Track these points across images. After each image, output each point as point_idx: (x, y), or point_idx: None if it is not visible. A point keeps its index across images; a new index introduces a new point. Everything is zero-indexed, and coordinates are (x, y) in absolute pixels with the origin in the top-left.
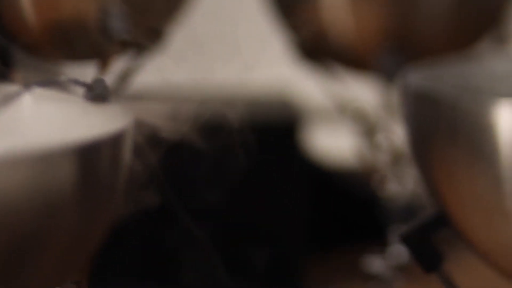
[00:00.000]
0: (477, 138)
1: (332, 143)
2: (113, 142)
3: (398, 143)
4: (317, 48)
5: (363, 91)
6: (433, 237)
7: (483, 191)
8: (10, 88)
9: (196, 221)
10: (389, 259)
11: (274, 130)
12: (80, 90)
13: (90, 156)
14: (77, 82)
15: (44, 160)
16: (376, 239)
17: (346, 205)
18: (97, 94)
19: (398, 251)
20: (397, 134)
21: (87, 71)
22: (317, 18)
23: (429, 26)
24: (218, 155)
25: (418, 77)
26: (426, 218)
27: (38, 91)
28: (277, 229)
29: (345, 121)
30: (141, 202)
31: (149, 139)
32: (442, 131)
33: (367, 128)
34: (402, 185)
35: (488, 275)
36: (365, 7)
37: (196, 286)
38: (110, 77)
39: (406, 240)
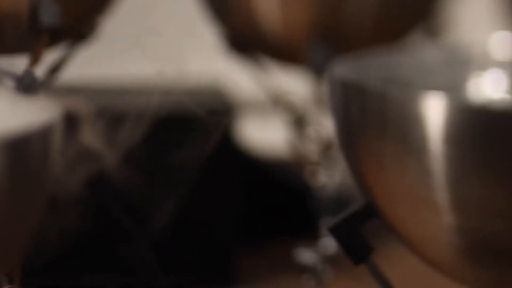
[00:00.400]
0: (406, 130)
1: (265, 135)
2: (42, 134)
3: (328, 135)
4: (246, 41)
5: (294, 83)
6: (362, 228)
7: (412, 183)
8: None
9: (128, 212)
10: (320, 251)
11: (206, 122)
12: (10, 82)
13: (18, 149)
14: (6, 74)
15: None
16: (308, 231)
17: (278, 197)
18: (26, 85)
19: (329, 243)
20: (327, 126)
21: (18, 63)
22: (246, 11)
23: (358, 19)
24: (151, 146)
25: (345, 69)
26: (355, 209)
27: None
28: (209, 221)
29: (277, 113)
30: (73, 195)
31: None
32: (370, 123)
33: (298, 120)
34: (333, 177)
35: (416, 266)
36: (292, 4)
37: (129, 279)
38: (40, 69)
39: (335, 232)
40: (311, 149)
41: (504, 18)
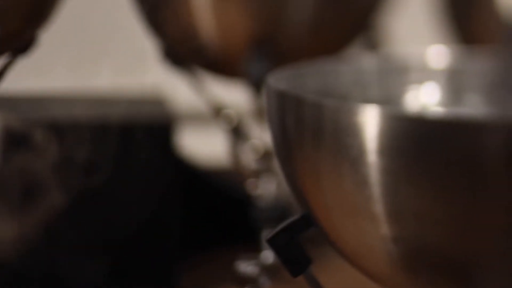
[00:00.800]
0: (341, 142)
1: (206, 145)
2: None
3: (267, 146)
4: (185, 54)
5: (234, 95)
6: (300, 239)
7: (348, 193)
8: None
9: (68, 222)
10: (261, 262)
11: (148, 132)
12: None
13: None
14: None
15: None
16: (249, 241)
17: (220, 207)
18: None
19: (270, 254)
20: (266, 137)
21: None
22: (183, 24)
23: (295, 31)
24: (91, 156)
25: (282, 80)
26: (292, 220)
27: None
28: (151, 230)
29: (217, 124)
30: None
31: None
32: (306, 135)
33: (237, 131)
34: (273, 187)
35: (355, 276)
36: (229, 12)
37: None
38: None
39: (272, 243)
40: (251, 160)
41: (440, 31)
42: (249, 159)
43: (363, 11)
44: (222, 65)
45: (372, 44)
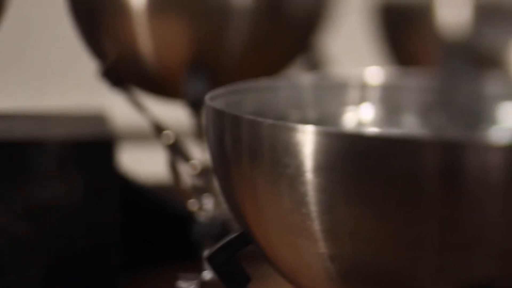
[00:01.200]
0: (278, 160)
1: (148, 163)
2: None
3: (207, 164)
4: (124, 74)
5: (175, 114)
6: (238, 257)
7: (285, 212)
8: None
9: (8, 238)
10: (202, 279)
11: (90, 149)
12: None
13: None
14: None
15: None
16: (190, 259)
17: (161, 225)
18: None
19: (210, 272)
20: (206, 155)
21: None
22: (120, 45)
23: (234, 52)
24: (31, 173)
25: (220, 100)
26: (231, 238)
27: None
28: (91, 248)
29: (159, 142)
30: None
31: None
32: (244, 154)
33: (179, 149)
34: (214, 205)
35: None
36: (167, 33)
37: None
38: None
39: (211, 261)
40: (191, 178)
41: (378, 51)
42: (189, 177)
43: (302, 31)
44: (161, 85)
45: (311, 65)
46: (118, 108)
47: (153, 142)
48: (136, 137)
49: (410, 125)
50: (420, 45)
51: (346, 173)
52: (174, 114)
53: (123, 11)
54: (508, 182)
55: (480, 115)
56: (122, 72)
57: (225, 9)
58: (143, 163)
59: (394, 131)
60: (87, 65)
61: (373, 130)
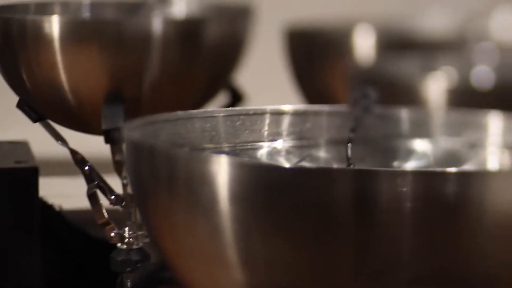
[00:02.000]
0: (194, 190)
1: (70, 191)
2: None
3: (128, 193)
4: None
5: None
6: (156, 284)
7: (202, 240)
8: None
9: None
10: None
11: (13, 176)
12: None
13: None
14: None
15: None
16: (110, 285)
17: (83, 252)
18: None
19: None
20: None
21: None
22: (39, 79)
23: (151, 83)
24: None
25: (137, 131)
26: (150, 265)
27: None
28: (12, 273)
29: (80, 172)
30: None
31: None
32: (160, 184)
33: (99, 179)
34: (135, 232)
35: None
36: (83, 68)
37: None
38: None
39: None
40: (111, 206)
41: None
42: (109, 205)
43: (217, 65)
44: (79, 118)
45: (228, 99)
46: (41, 136)
47: (74, 170)
48: (58, 165)
49: (323, 157)
50: (333, 78)
51: (260, 203)
52: (94, 145)
53: (38, 43)
54: (418, 209)
55: (391, 149)
56: (41, 104)
57: (141, 41)
58: (65, 191)
59: (306, 163)
60: (11, 95)
61: (286, 161)
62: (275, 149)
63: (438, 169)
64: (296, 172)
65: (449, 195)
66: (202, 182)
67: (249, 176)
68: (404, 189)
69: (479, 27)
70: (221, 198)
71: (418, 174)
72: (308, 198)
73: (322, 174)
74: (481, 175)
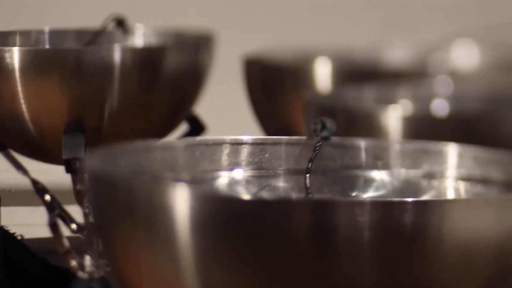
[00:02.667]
0: (153, 220)
1: (31, 220)
2: None
3: (88, 222)
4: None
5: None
6: None
7: (162, 269)
8: None
9: None
10: None
11: None
12: None
13: None
14: None
15: None
16: None
17: (44, 281)
18: None
19: None
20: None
21: None
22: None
23: (111, 113)
24: None
25: (97, 162)
26: None
27: None
28: None
29: (40, 201)
30: None
31: None
32: (120, 212)
33: (60, 208)
34: (96, 261)
35: None
36: (43, 101)
37: None
38: None
39: None
40: (72, 235)
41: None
42: (70, 234)
43: (177, 96)
44: (41, 148)
45: (190, 129)
46: (2, 166)
47: (36, 200)
48: (20, 195)
49: (281, 187)
50: (292, 109)
51: (219, 233)
52: (55, 174)
53: None
54: (376, 239)
55: (349, 179)
56: (2, 134)
57: (100, 70)
58: (26, 220)
59: (265, 193)
60: None
61: (245, 191)
62: (234, 179)
63: (396, 199)
64: (254, 203)
65: (406, 224)
66: (162, 212)
67: (208, 206)
68: (362, 219)
69: (438, 59)
70: (180, 227)
71: (375, 204)
72: (267, 229)
73: (280, 205)
74: (438, 204)
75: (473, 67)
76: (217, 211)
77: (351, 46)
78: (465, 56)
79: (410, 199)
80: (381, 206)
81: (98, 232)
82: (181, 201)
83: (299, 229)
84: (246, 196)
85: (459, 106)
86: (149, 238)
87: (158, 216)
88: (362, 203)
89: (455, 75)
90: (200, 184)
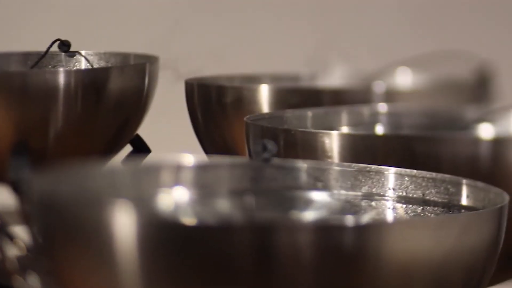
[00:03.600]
0: (95, 237)
1: None
2: None
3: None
4: None
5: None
6: None
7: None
8: None
9: None
10: None
11: None
12: None
13: None
14: None
15: None
16: None
17: None
18: None
19: None
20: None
21: None
22: None
23: (55, 134)
24: None
25: (40, 182)
26: None
27: None
28: None
29: None
30: None
31: None
32: (67, 234)
33: (5, 229)
34: (41, 283)
35: None
36: None
37: None
38: None
39: None
40: (17, 257)
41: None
42: (14, 255)
43: (123, 118)
44: None
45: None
46: None
47: None
48: None
49: (223, 208)
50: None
51: (160, 257)
52: (1, 194)
53: None
54: (317, 261)
55: (290, 199)
56: None
57: (45, 92)
58: None
59: (207, 214)
60: None
61: (188, 212)
62: (178, 200)
63: (336, 221)
64: (195, 228)
65: (346, 246)
66: (102, 229)
67: (150, 228)
68: (303, 242)
69: (380, 86)
70: (123, 248)
71: (316, 227)
72: (208, 253)
73: (220, 229)
74: (378, 226)
75: (411, 92)
76: (159, 234)
77: (295, 72)
78: (403, 82)
79: (350, 222)
80: (321, 229)
81: (43, 252)
82: (124, 223)
83: (240, 252)
84: (188, 219)
85: (398, 128)
86: (92, 259)
87: (102, 238)
88: (302, 226)
89: (394, 100)
90: (144, 204)
